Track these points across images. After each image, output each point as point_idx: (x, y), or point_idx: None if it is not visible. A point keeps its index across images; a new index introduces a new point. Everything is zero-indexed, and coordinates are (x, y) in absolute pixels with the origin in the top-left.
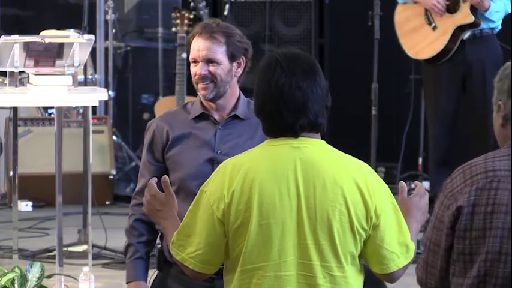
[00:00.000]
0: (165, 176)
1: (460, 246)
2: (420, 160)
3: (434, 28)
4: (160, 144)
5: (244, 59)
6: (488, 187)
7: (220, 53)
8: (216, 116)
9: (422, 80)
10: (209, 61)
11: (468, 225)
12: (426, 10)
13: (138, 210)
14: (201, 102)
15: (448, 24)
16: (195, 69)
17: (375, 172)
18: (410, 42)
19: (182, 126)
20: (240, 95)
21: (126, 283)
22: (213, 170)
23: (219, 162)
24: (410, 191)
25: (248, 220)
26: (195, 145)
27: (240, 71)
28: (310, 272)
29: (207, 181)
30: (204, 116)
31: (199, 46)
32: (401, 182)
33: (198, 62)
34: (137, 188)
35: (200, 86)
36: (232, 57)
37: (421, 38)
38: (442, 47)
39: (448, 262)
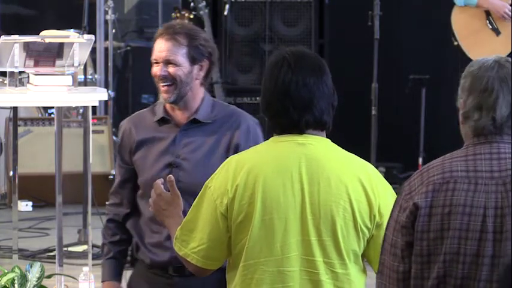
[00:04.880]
0: (170, 175)
1: (417, 248)
2: (420, 160)
3: (498, 33)
4: (128, 147)
5: (208, 63)
6: (444, 188)
7: (181, 54)
8: (177, 120)
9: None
10: (168, 62)
11: (426, 226)
12: (488, 15)
13: (111, 210)
14: (164, 105)
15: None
16: (155, 70)
17: (379, 172)
18: (473, 46)
19: (146, 130)
20: (204, 98)
21: (101, 282)
22: (172, 175)
23: (177, 167)
24: None
25: (251, 215)
26: (156, 150)
27: (202, 74)
28: (313, 268)
29: (211, 177)
30: (166, 120)
31: (160, 47)
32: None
33: (159, 63)
34: (111, 189)
35: (162, 88)
36: (193, 60)
37: (485, 42)
38: (509, 51)
39: (409, 264)
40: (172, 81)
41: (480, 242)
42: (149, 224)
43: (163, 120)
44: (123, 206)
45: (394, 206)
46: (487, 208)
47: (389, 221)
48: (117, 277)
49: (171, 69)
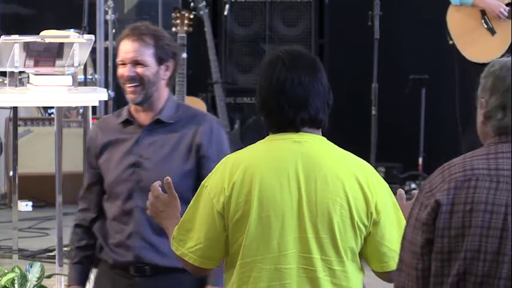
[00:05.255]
0: (168, 177)
1: (438, 245)
2: (420, 160)
3: (493, 33)
4: (94, 151)
5: (173, 63)
6: (466, 185)
7: (148, 55)
8: (141, 120)
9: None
10: (136, 63)
11: (447, 223)
12: (483, 14)
13: (78, 215)
14: (129, 107)
15: (508, 30)
16: (122, 71)
17: (375, 170)
18: (468, 45)
19: (111, 133)
20: (168, 98)
21: (68, 286)
22: (134, 175)
23: (140, 166)
24: (410, 191)
25: (248, 213)
26: (121, 151)
27: (168, 74)
28: (310, 265)
29: (207, 176)
30: (130, 121)
31: (127, 48)
32: (400, 189)
33: (126, 64)
34: (80, 195)
35: (128, 89)
36: (160, 60)
37: (480, 42)
38: (504, 51)
39: (429, 261)
40: (140, 81)
41: (501, 240)
42: (112, 224)
43: (128, 122)
44: (90, 210)
45: (413, 204)
46: (508, 206)
47: (408, 218)
48: (82, 282)
49: (139, 69)
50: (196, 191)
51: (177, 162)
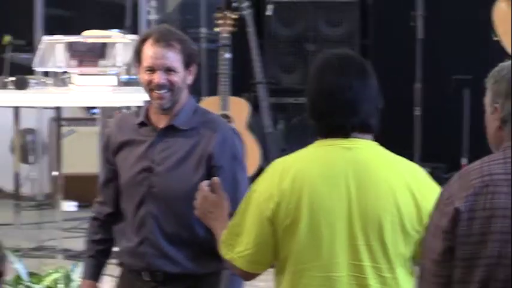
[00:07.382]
0: (215, 177)
1: (460, 252)
2: (463, 160)
3: None
4: (111, 147)
5: (195, 67)
6: (485, 191)
7: (177, 61)
8: (157, 123)
9: None
10: (168, 70)
11: (467, 230)
12: None
13: (96, 207)
14: (147, 109)
15: None
16: (151, 77)
17: (427, 175)
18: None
19: (128, 132)
20: (186, 103)
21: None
22: (146, 179)
23: (152, 172)
24: None
25: (298, 220)
26: (136, 153)
27: (191, 77)
28: (361, 273)
29: (256, 180)
30: (145, 123)
31: (156, 54)
32: None
33: (155, 70)
34: (98, 188)
35: (156, 94)
36: (187, 65)
37: None
38: None
39: (449, 268)
40: (169, 88)
41: None
42: (127, 227)
43: (144, 123)
44: (107, 204)
45: (433, 212)
46: None
47: (429, 226)
48: (94, 276)
49: (170, 76)
50: None
51: (188, 171)
